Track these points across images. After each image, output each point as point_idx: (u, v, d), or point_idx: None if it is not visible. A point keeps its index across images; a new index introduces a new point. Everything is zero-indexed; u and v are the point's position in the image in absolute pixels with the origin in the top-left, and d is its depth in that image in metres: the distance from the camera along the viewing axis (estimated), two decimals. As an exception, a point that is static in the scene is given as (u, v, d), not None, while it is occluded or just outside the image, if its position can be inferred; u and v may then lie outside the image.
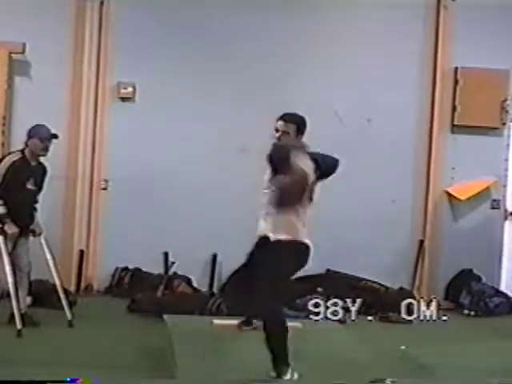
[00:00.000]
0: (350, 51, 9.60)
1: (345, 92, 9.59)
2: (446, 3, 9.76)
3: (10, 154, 7.71)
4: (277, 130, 6.21)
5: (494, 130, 9.88)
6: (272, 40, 9.49)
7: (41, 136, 7.36)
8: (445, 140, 9.84)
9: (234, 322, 6.64)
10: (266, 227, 5.93)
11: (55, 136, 7.42)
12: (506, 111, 9.82)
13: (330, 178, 6.22)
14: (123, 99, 9.43)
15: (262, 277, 5.76)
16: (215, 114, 9.42)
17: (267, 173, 6.02)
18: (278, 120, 6.23)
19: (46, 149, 7.39)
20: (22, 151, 7.44)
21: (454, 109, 9.79)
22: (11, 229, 7.28)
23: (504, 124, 9.90)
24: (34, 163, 7.46)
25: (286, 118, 6.25)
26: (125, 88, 9.40)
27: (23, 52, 9.11)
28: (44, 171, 7.59)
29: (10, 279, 7.17)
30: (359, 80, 9.58)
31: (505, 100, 9.80)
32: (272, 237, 5.85)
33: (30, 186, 7.44)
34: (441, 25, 9.77)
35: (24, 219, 7.41)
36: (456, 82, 9.76)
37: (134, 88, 9.41)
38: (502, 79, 9.80)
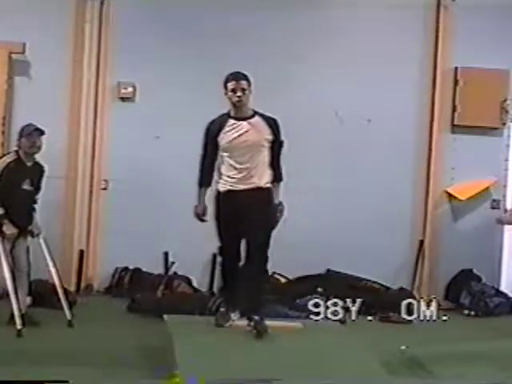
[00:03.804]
0: (350, 51, 9.60)
1: (345, 92, 9.59)
2: (445, 3, 9.77)
3: (4, 155, 7.71)
4: (243, 90, 6.38)
5: (494, 130, 9.89)
6: (272, 40, 9.49)
7: (25, 133, 7.36)
8: (445, 140, 9.84)
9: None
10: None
11: (39, 131, 7.35)
12: (506, 111, 9.82)
13: None
14: (123, 99, 9.44)
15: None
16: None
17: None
18: (240, 80, 6.41)
19: (33, 145, 7.35)
20: (17, 152, 7.43)
21: (454, 109, 9.79)
22: (9, 229, 7.27)
23: (504, 124, 9.90)
24: (29, 163, 7.44)
25: (246, 77, 6.46)
26: (125, 88, 9.40)
27: (23, 52, 9.11)
28: (41, 171, 7.57)
29: (8, 280, 7.17)
30: (359, 80, 9.58)
31: (505, 100, 9.80)
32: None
33: (26, 186, 7.42)
34: (441, 25, 9.77)
35: (22, 220, 7.40)
36: (456, 82, 9.77)
37: (134, 88, 9.42)
38: (502, 79, 9.81)
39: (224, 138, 6.46)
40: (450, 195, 9.88)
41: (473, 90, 9.66)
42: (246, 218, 6.35)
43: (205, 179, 6.64)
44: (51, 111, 8.99)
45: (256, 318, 6.33)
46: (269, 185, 6.46)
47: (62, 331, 7.33)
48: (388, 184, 9.64)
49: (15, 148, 7.51)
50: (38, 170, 7.54)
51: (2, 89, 9.09)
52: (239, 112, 6.50)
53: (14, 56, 9.11)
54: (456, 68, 9.78)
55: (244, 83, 6.44)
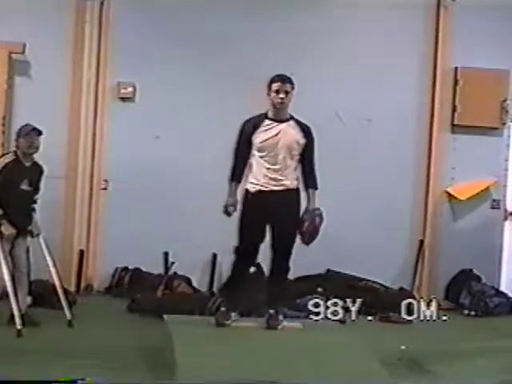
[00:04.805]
0: (349, 51, 9.60)
1: (345, 92, 9.59)
2: (445, 3, 9.77)
3: (3, 155, 7.71)
4: (286, 93, 6.47)
5: (493, 129, 9.89)
6: (272, 40, 9.49)
7: (23, 133, 7.35)
8: (445, 140, 9.85)
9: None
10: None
11: (37, 131, 7.34)
12: (506, 111, 9.83)
13: None
14: (123, 99, 9.44)
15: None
16: (215, 115, 9.42)
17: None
18: (285, 82, 6.51)
19: (31, 145, 7.33)
20: (15, 152, 7.43)
21: (454, 109, 9.80)
22: (8, 230, 7.26)
23: (504, 124, 9.91)
24: (28, 164, 7.42)
25: (291, 80, 6.56)
26: (125, 88, 9.40)
27: (23, 52, 9.11)
28: (40, 171, 7.55)
29: (8, 280, 7.17)
30: (359, 80, 9.58)
31: (505, 100, 9.81)
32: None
33: (24, 186, 7.40)
34: (441, 25, 9.78)
35: (21, 220, 7.39)
36: (456, 82, 9.77)
37: (134, 88, 9.42)
38: (502, 79, 9.81)
39: (258, 137, 6.55)
40: (450, 195, 9.88)
41: (473, 89, 9.66)
42: (273, 220, 6.54)
43: (236, 175, 6.70)
44: (51, 111, 8.99)
45: (271, 311, 6.66)
46: (297, 186, 6.63)
47: (62, 331, 7.33)
48: (388, 184, 9.64)
49: (14, 148, 7.51)
50: (37, 170, 7.53)
51: (2, 89, 9.09)
52: (278, 114, 6.58)
53: (14, 56, 9.11)
54: (456, 68, 9.78)
55: (288, 86, 6.54)
